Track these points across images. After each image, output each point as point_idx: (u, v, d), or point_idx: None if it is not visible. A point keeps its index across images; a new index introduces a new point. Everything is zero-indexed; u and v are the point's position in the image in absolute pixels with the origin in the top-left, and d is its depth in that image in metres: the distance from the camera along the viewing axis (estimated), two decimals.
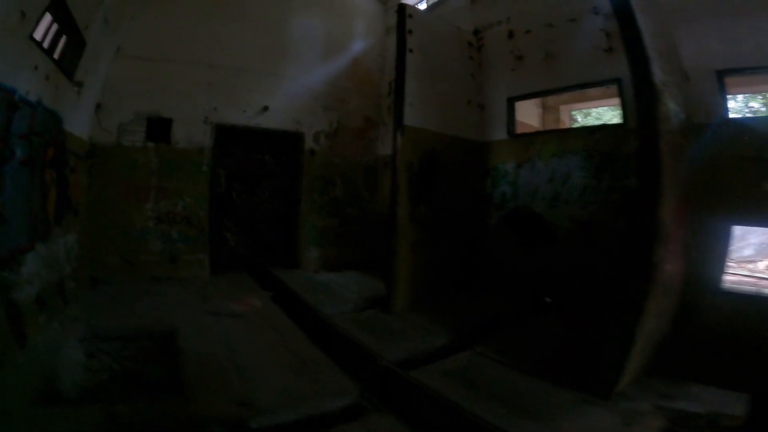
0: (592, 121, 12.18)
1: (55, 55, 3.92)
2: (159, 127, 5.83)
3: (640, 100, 2.90)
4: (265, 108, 6.59)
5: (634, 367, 2.90)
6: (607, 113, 12.05)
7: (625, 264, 2.90)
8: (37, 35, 3.39)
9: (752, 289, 5.56)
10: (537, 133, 5.38)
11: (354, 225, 7.47)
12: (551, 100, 7.11)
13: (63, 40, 3.96)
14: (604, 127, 4.85)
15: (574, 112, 8.86)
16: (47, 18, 3.50)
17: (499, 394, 2.95)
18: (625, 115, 4.26)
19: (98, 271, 5.43)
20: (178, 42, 5.96)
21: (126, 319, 4.30)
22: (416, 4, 7.50)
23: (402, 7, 4.89)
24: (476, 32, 6.01)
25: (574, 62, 4.72)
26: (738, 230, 4.23)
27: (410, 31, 4.94)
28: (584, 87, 4.83)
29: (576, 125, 9.17)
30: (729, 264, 4.17)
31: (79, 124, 4.87)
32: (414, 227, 4.78)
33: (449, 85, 5.40)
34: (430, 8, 7.13)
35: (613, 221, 4.03)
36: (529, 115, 6.90)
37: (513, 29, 5.49)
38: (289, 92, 6.84)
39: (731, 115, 4.03)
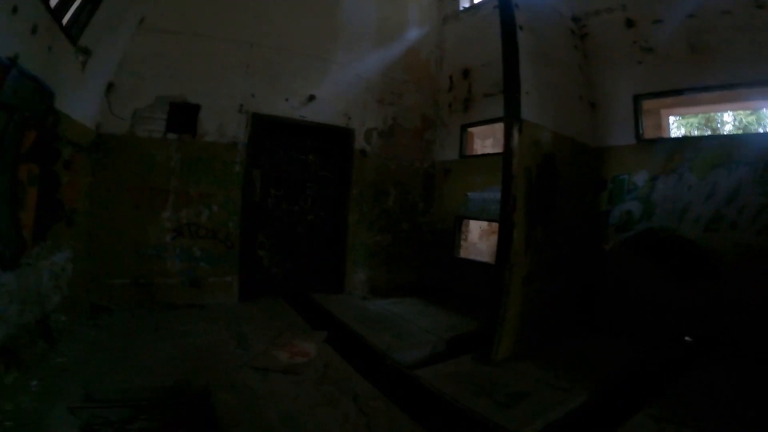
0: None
1: (52, 2, 2.74)
2: (183, 115, 4.64)
3: None
4: (312, 97, 5.42)
5: None
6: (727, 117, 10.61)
7: None
8: None
9: None
10: (686, 139, 4.19)
11: (408, 243, 6.25)
12: (651, 103, 5.94)
13: None
14: None
15: (672, 118, 7.70)
16: None
17: None
18: None
19: (101, 297, 4.21)
20: (214, 15, 4.81)
21: (137, 373, 3.07)
22: None
23: None
24: (575, 19, 4.87)
25: (734, 57, 3.58)
26: None
27: (516, 5, 3.81)
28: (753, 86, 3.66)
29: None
30: None
31: (81, 105, 3.69)
32: (529, 255, 3.55)
33: (558, 76, 4.23)
34: None
35: None
36: None
37: (632, 17, 4.37)
38: (339, 81, 5.68)
39: None
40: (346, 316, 4.68)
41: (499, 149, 7.58)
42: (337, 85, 5.67)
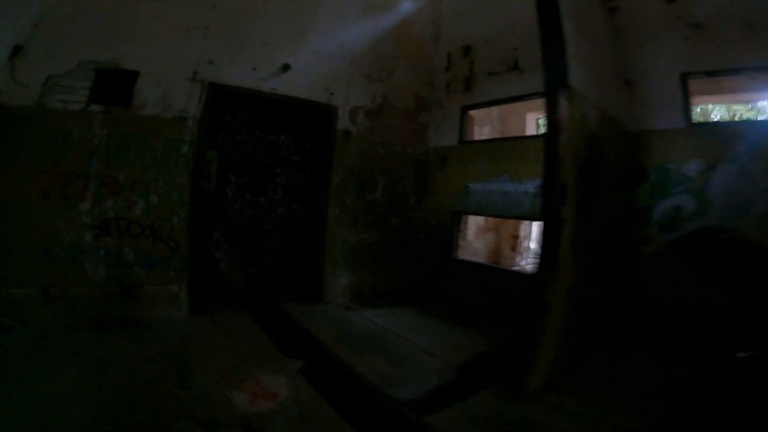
0: None
1: None
2: (115, 83, 3.55)
3: None
4: (286, 67, 4.40)
5: None
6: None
7: None
8: None
9: None
10: (749, 123, 3.50)
11: (397, 241, 5.35)
12: None
13: None
14: None
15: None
16: None
17: None
18: None
19: None
20: None
21: None
22: None
23: None
24: None
25: None
26: None
27: None
28: None
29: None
30: None
31: None
32: (574, 260, 2.72)
33: (593, 48, 3.44)
34: None
35: None
36: None
37: None
38: (319, 51, 4.68)
39: None
40: (327, 335, 3.74)
41: (498, 137, 6.89)
42: (318, 56, 4.67)
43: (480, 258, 6.70)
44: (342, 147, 4.79)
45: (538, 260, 2.58)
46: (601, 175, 3.02)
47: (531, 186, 4.30)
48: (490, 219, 6.74)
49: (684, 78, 3.57)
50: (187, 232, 3.68)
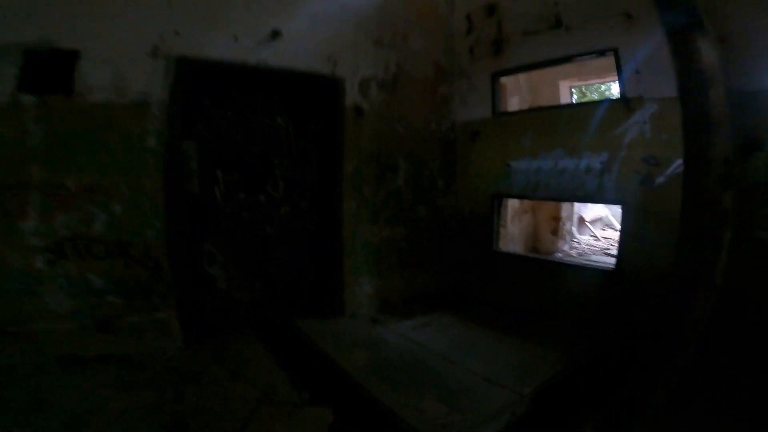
0: None
1: None
2: (50, 68, 2.71)
3: None
4: (276, 34, 3.53)
5: None
6: None
7: None
8: None
9: None
10: None
11: (426, 236, 4.52)
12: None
13: None
14: None
15: None
16: None
17: None
18: None
19: None
20: None
21: None
22: None
23: None
24: None
25: None
26: None
27: None
28: None
29: None
30: None
31: None
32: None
33: None
34: None
35: None
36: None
37: None
38: (317, 13, 3.78)
39: None
40: (355, 363, 2.96)
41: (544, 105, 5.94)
42: (316, 19, 3.78)
43: (517, 246, 5.84)
44: (354, 127, 3.94)
45: (678, 263, 1.73)
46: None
47: (596, 161, 3.43)
48: (526, 200, 5.84)
49: None
50: (167, 247, 2.89)
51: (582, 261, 4.83)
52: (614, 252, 6.92)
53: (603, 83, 8.31)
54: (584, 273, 3.73)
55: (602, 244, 7.77)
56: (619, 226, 9.37)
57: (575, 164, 3.56)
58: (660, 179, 3.09)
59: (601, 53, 3.46)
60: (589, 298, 3.54)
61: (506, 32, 4.28)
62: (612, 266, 3.53)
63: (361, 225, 4.01)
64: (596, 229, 8.73)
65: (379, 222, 4.15)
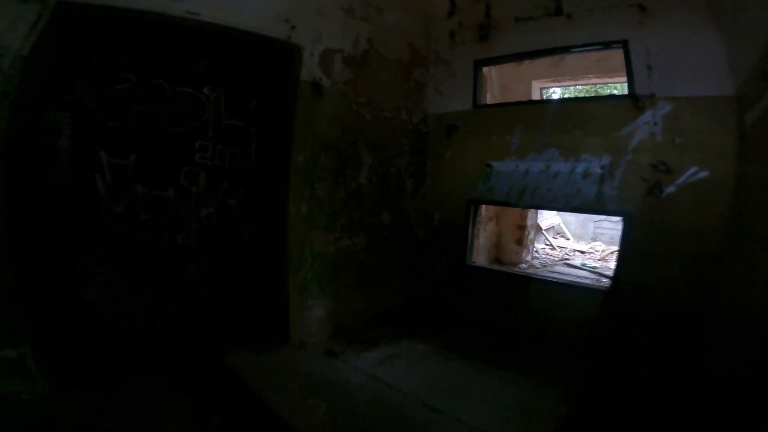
0: None
1: None
2: None
3: None
4: None
5: None
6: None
7: None
8: None
9: None
10: None
11: (391, 245, 3.81)
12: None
13: None
14: None
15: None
16: None
17: None
18: None
19: None
20: None
21: None
22: None
23: None
24: None
25: None
26: None
27: None
28: None
29: None
30: None
31: None
32: None
33: None
34: None
35: None
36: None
37: None
38: None
39: None
40: (311, 421, 2.16)
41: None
42: None
43: (481, 257, 5.35)
44: (309, 107, 3.11)
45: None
46: None
47: (596, 165, 2.95)
48: (491, 206, 5.36)
49: None
50: (9, 262, 1.87)
51: (571, 279, 4.36)
52: (575, 262, 6.86)
53: (578, 85, 7.73)
54: (575, 292, 3.25)
55: (558, 253, 7.64)
56: (570, 236, 9.15)
57: (571, 168, 3.08)
58: (670, 189, 2.68)
59: (608, 45, 3.02)
60: (581, 321, 3.07)
61: (495, 17, 3.73)
62: (606, 285, 3.09)
63: (312, 232, 3.19)
64: (550, 237, 8.65)
65: (336, 229, 3.36)
